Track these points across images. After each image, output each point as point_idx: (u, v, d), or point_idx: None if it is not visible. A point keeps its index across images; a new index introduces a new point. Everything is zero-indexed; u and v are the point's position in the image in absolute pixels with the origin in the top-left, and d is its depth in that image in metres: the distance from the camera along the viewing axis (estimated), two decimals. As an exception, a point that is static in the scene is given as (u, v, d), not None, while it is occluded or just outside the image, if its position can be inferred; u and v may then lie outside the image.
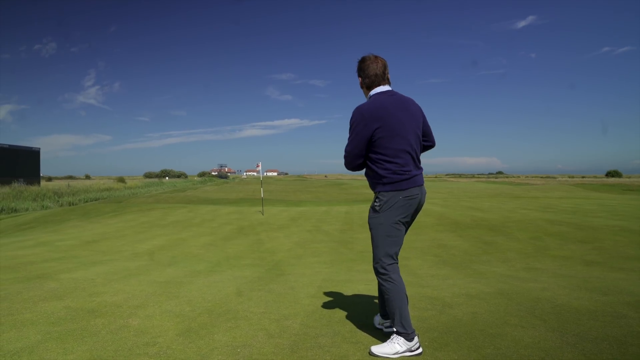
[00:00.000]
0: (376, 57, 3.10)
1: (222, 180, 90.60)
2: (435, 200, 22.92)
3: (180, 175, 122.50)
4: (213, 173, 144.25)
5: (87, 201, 28.25)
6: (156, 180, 79.22)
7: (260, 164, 16.91)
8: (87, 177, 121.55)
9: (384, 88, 3.06)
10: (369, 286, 5.08)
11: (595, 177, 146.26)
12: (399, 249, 3.10)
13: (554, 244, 8.87)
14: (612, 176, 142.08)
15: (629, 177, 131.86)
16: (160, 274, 5.85)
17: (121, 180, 58.96)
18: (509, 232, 10.56)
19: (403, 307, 2.95)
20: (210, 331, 3.29)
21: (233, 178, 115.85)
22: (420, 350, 2.92)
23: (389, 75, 3.11)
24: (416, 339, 2.92)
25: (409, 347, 2.89)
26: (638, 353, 2.97)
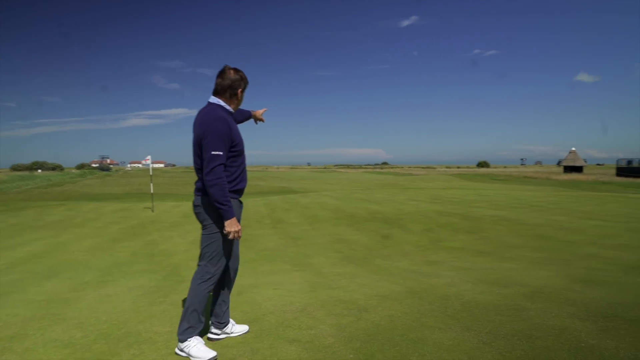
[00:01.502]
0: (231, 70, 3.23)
1: (104, 172, 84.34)
2: (328, 193, 23.31)
3: (55, 167, 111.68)
4: (94, 165, 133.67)
5: (-61, 200, 24.51)
6: (27, 173, 71.44)
7: (149, 158, 15.79)
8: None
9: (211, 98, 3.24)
10: (278, 291, 4.88)
11: (468, 167, 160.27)
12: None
13: (446, 235, 9.37)
14: (482, 166, 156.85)
15: (496, 167, 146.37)
16: (39, 289, 5.11)
17: (-18, 174, 52.16)
18: (403, 224, 10.98)
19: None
20: (110, 362, 2.87)
21: (116, 170, 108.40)
22: None
23: (230, 92, 3.21)
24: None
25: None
26: (543, 346, 3.11)
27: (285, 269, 6.54)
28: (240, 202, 3.30)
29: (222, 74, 3.15)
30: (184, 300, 3.33)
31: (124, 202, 19.29)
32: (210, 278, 3.11)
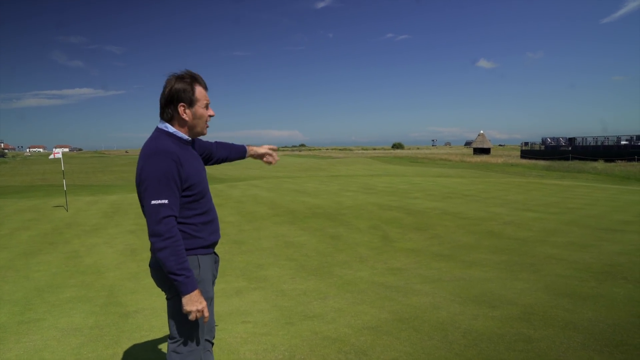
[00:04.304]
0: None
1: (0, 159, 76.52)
2: (256, 182, 22.53)
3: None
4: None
5: None
6: None
7: (59, 152, 14.03)
8: None
9: None
10: (249, 325, 4.25)
11: (384, 148, 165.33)
12: None
13: (395, 233, 9.12)
14: (397, 147, 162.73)
15: (410, 148, 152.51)
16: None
17: None
18: (347, 220, 10.62)
19: None
20: None
21: (13, 156, 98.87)
22: None
23: (171, 111, 2.33)
24: None
25: None
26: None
27: (241, 286, 5.88)
28: (216, 256, 2.50)
29: (163, 87, 2.31)
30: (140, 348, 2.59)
31: (29, 198, 17.23)
32: None
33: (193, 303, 2.15)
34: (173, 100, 2.27)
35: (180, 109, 2.27)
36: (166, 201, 2.12)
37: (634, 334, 3.65)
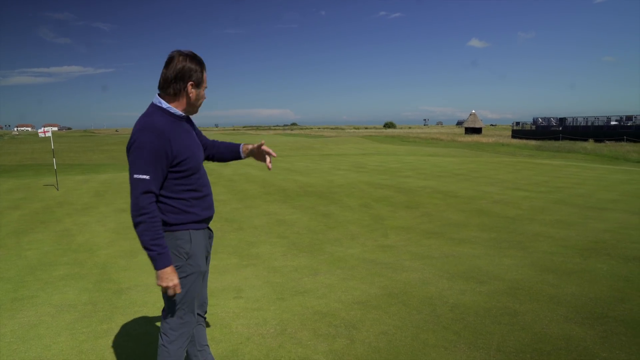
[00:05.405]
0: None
1: (-14, 138, 75.41)
2: (248, 161, 22.47)
3: None
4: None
5: None
6: None
7: (48, 130, 13.90)
8: None
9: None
10: (241, 301, 4.32)
11: (375, 128, 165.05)
12: None
13: (385, 211, 9.21)
14: (389, 127, 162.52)
15: (401, 128, 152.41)
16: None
17: None
18: (339, 198, 10.70)
19: None
20: None
21: (1, 135, 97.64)
22: None
23: (175, 88, 2.36)
24: None
25: None
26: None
27: (233, 263, 5.95)
28: (210, 231, 2.54)
29: (168, 62, 2.31)
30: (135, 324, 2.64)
31: (19, 177, 17.12)
32: (178, 338, 2.35)
33: (164, 279, 2.18)
34: (184, 77, 2.31)
35: (189, 87, 2.33)
36: (147, 177, 2.17)
37: (614, 307, 3.77)
